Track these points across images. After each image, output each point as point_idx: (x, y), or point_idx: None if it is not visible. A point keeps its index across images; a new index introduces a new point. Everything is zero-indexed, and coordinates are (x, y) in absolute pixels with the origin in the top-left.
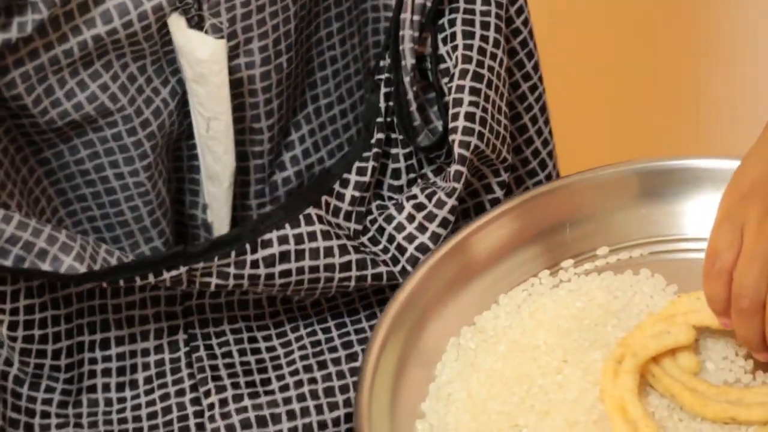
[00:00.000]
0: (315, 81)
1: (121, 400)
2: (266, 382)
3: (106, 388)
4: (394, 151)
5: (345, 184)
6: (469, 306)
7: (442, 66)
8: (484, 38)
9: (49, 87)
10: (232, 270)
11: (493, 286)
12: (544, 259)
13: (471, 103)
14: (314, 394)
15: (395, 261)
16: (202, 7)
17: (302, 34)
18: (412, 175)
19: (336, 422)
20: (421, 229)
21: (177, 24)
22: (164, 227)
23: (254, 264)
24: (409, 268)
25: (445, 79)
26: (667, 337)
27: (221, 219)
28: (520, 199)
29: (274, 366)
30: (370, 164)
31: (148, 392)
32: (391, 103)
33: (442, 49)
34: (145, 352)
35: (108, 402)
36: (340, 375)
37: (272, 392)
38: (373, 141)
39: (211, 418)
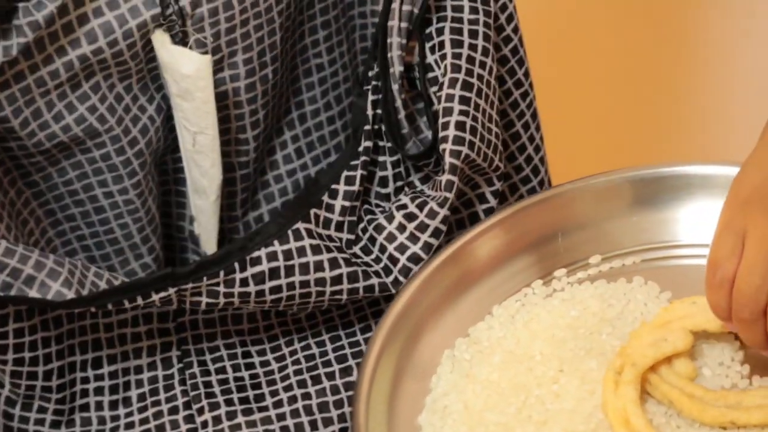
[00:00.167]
0: (300, 88)
1: (115, 419)
2: (260, 398)
3: (99, 406)
4: (381, 158)
5: (334, 194)
6: (462, 317)
7: (430, 75)
8: (473, 47)
9: (36, 110)
10: (221, 289)
11: (487, 296)
12: (537, 269)
13: (461, 112)
14: (308, 410)
15: (387, 271)
16: (185, 23)
17: (287, 43)
18: (399, 183)
19: None
20: (413, 239)
21: (161, 40)
22: (154, 243)
23: (244, 282)
24: (401, 278)
25: (434, 88)
26: (665, 345)
27: (209, 231)
28: (511, 209)
29: (268, 381)
30: (359, 173)
31: (141, 410)
32: (379, 111)
33: (430, 58)
34: (138, 370)
35: (101, 420)
36: (335, 390)
37: (266, 408)
38: (360, 149)
39: None
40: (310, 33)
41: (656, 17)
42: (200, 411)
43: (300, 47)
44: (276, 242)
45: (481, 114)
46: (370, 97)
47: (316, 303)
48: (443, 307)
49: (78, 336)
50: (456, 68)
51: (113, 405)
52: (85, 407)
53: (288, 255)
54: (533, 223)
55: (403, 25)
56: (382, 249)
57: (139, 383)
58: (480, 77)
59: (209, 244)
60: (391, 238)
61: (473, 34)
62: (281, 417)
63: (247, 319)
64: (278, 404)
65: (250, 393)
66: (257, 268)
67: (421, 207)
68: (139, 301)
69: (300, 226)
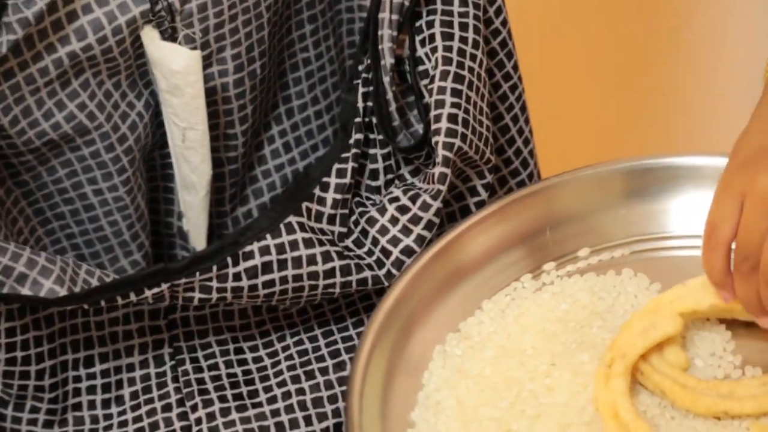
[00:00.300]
0: (287, 82)
1: (108, 417)
2: (254, 394)
3: (92, 405)
4: (372, 151)
5: (325, 187)
6: (453, 312)
7: (421, 68)
8: (463, 39)
9: (26, 107)
10: (214, 284)
11: (476, 291)
12: (526, 262)
13: (453, 105)
14: (302, 405)
15: (380, 264)
16: (175, 19)
17: (275, 38)
18: (390, 176)
19: None
20: (406, 231)
21: (150, 36)
22: (143, 240)
23: (236, 277)
24: (394, 271)
25: (424, 81)
26: (654, 332)
27: (198, 227)
28: (499, 204)
29: (261, 377)
30: (350, 165)
31: (134, 408)
32: (369, 103)
33: (420, 51)
34: (130, 368)
35: (94, 419)
36: (328, 385)
37: (260, 404)
38: (351, 141)
39: None
40: (296, 27)
41: (645, 10)
42: (194, 408)
43: (287, 42)
44: (268, 236)
45: (473, 106)
46: (361, 90)
47: (308, 297)
48: (433, 303)
49: (70, 335)
50: (447, 61)
51: (106, 404)
52: (77, 406)
53: (280, 249)
54: (522, 216)
55: (394, 17)
56: (375, 242)
57: (132, 381)
58: (471, 70)
59: (198, 240)
60: (383, 230)
61: (464, 26)
62: (275, 413)
63: (238, 316)
64: (272, 400)
65: (244, 389)
66: (250, 263)
67: (413, 199)
68: (132, 297)
69: (292, 219)
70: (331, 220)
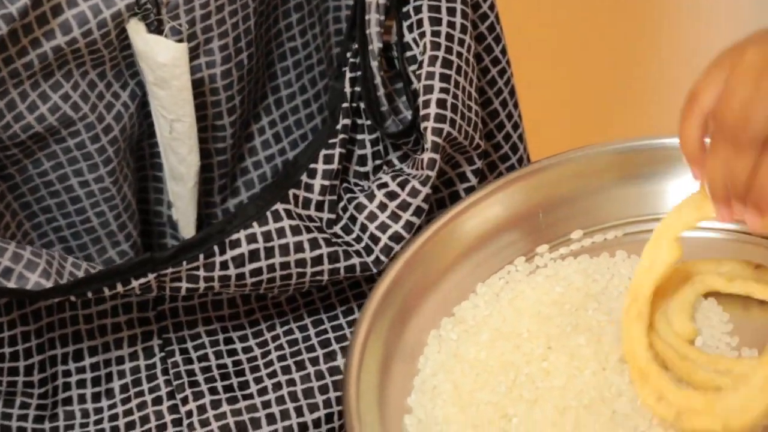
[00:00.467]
0: (275, 72)
1: (98, 411)
2: (244, 385)
3: (82, 399)
4: (360, 137)
5: (312, 174)
6: (447, 297)
7: (409, 54)
8: (451, 24)
9: (10, 101)
10: (201, 273)
11: (470, 275)
12: (519, 245)
13: (442, 90)
14: (293, 396)
15: (369, 251)
16: (160, 11)
17: (261, 28)
18: (378, 162)
19: (317, 424)
20: (395, 218)
21: (136, 29)
22: (131, 230)
23: (224, 265)
24: (383, 258)
25: (413, 67)
26: (657, 264)
27: (186, 217)
28: (491, 187)
29: (252, 368)
30: (337, 151)
31: (124, 401)
32: (357, 89)
33: (408, 37)
34: (120, 360)
35: (85, 413)
36: (319, 375)
37: (251, 396)
38: (339, 127)
39: (190, 426)
40: (284, 17)
41: None
42: (184, 400)
43: (275, 32)
44: (255, 224)
45: (461, 92)
46: (348, 75)
47: (297, 285)
48: (427, 287)
49: (58, 329)
50: (435, 46)
51: (96, 397)
52: (68, 401)
53: (267, 237)
54: (514, 199)
55: (381, 1)
56: (363, 228)
57: (122, 374)
58: (459, 54)
59: (188, 230)
60: (372, 217)
61: (451, 11)
62: (266, 404)
63: (227, 305)
64: (263, 391)
65: (234, 380)
66: (237, 251)
67: (402, 185)
68: (119, 288)
69: (279, 207)
70: (320, 206)
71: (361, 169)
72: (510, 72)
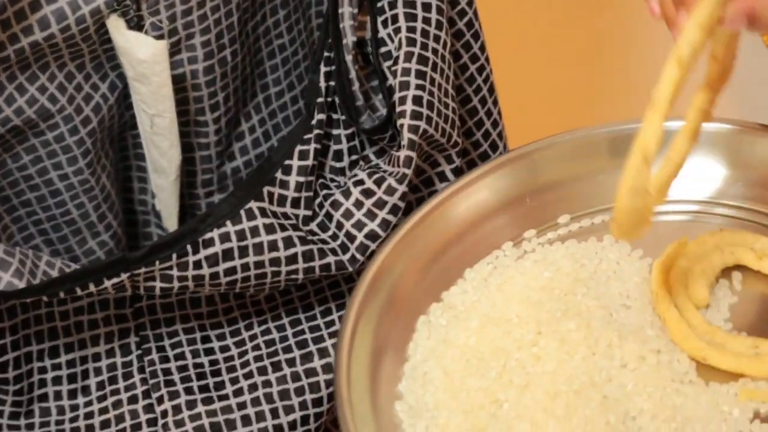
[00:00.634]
0: (265, 71)
1: (74, 408)
2: (220, 385)
3: (58, 396)
4: (335, 132)
5: (288, 170)
6: (435, 282)
7: (383, 50)
8: (427, 20)
9: None
10: (175, 272)
11: (458, 261)
12: (506, 231)
13: (418, 87)
14: (269, 398)
15: (344, 249)
16: (140, 7)
17: (247, 25)
18: (354, 157)
19: (292, 426)
20: (371, 216)
21: (116, 25)
22: (111, 220)
23: (197, 264)
24: (358, 256)
25: (388, 63)
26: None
27: (169, 208)
28: (477, 172)
29: (228, 368)
30: (312, 146)
31: (100, 399)
32: (332, 83)
33: (383, 32)
34: (96, 357)
35: (60, 410)
36: (295, 377)
37: (226, 397)
38: (313, 122)
39: (165, 426)
40: (271, 14)
41: None
42: (160, 400)
43: (263, 29)
44: (228, 223)
45: (437, 89)
46: (323, 69)
47: (272, 284)
48: (415, 273)
49: (33, 325)
50: (411, 42)
51: (72, 394)
52: (43, 397)
53: (241, 235)
54: (501, 184)
55: None
56: (339, 226)
57: (98, 371)
58: (435, 51)
59: (170, 221)
60: (348, 214)
61: (426, 7)
62: (242, 405)
63: (205, 303)
64: (239, 392)
65: (210, 381)
66: (210, 250)
67: (378, 183)
68: (92, 288)
69: (253, 205)
70: (295, 203)
71: (337, 165)
72: (489, 69)
